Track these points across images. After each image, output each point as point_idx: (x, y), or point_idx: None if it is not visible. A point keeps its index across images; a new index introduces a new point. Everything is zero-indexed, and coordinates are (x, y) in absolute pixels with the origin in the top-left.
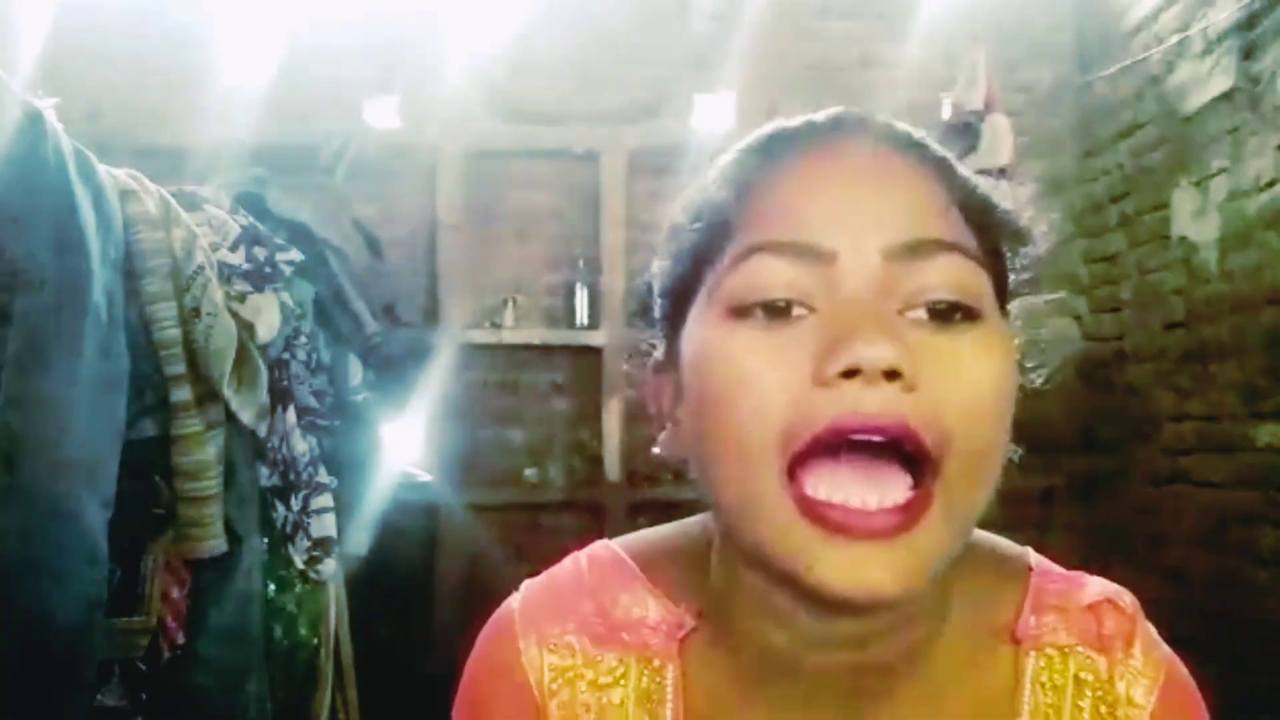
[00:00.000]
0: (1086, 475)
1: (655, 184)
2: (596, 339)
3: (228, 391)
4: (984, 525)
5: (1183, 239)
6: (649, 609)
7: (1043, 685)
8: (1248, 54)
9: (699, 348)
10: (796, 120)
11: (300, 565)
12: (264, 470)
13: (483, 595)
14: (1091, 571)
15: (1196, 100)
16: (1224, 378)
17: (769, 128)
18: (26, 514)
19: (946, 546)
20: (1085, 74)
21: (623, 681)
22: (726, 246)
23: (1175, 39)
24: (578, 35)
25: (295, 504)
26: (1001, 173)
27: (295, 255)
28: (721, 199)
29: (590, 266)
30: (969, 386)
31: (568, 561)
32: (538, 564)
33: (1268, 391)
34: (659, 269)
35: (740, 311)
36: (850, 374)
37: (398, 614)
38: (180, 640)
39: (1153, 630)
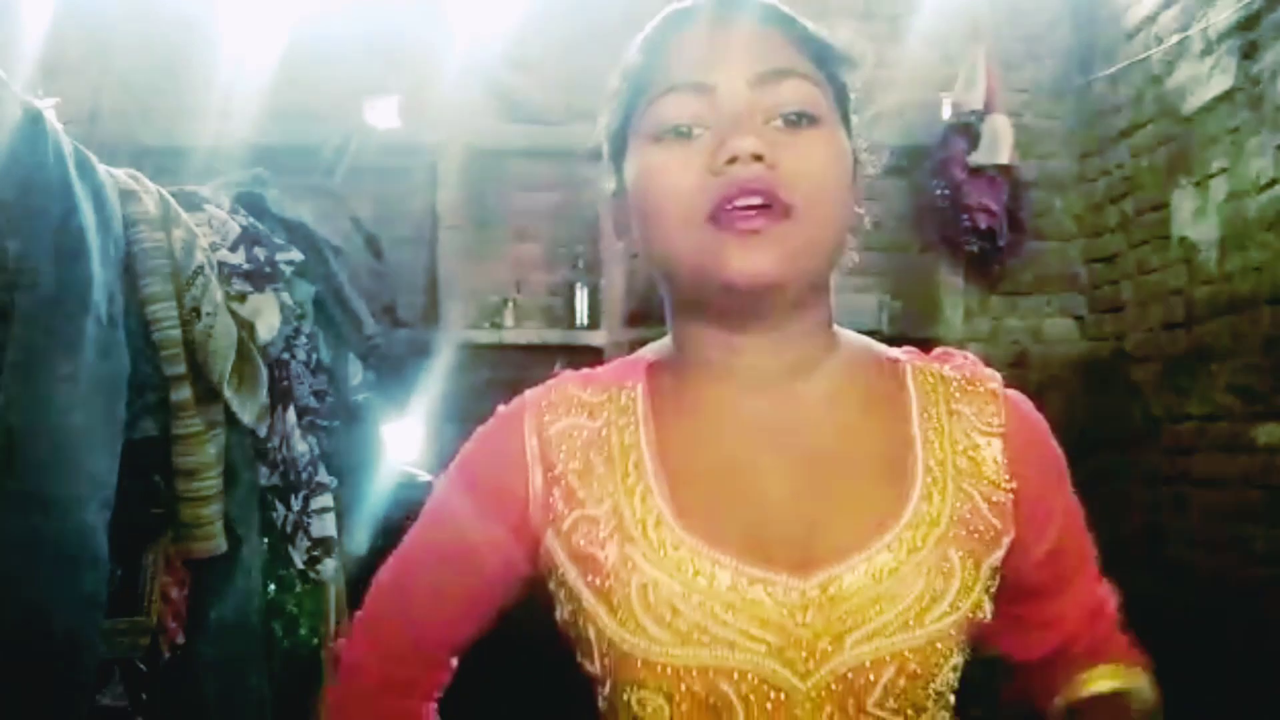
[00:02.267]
0: (1086, 475)
1: None
2: (596, 339)
3: (228, 391)
4: None
5: (1183, 239)
6: (622, 366)
7: (920, 376)
8: (1248, 54)
9: (636, 169)
10: (683, 3)
11: (300, 565)
12: (264, 470)
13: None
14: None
15: (1196, 100)
16: (1224, 378)
17: (665, 10)
18: (26, 514)
19: (804, 248)
20: (1085, 74)
21: (607, 403)
22: (643, 94)
23: (1175, 39)
24: (578, 35)
25: (295, 504)
26: (1002, 171)
27: (295, 255)
28: (636, 65)
29: (590, 266)
30: (811, 164)
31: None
32: None
33: (1268, 391)
34: (602, 125)
35: (658, 138)
36: (731, 162)
37: None
38: (180, 640)
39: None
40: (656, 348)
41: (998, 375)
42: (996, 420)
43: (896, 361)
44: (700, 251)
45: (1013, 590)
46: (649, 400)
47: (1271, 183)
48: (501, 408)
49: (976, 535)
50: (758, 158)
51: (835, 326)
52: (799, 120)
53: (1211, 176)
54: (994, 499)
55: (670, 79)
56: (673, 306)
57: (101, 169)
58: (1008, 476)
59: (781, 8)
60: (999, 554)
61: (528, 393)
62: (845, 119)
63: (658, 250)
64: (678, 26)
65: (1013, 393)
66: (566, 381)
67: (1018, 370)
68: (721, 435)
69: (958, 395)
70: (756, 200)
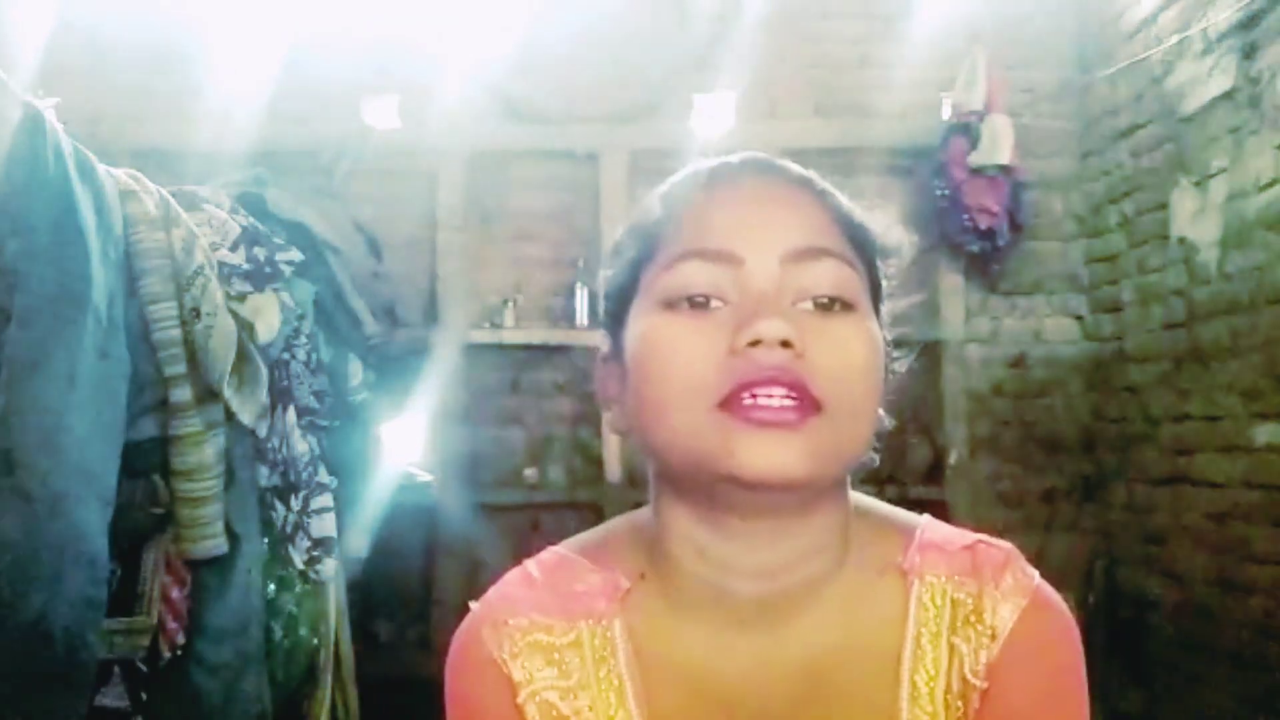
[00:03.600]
0: (1087, 475)
1: (655, 184)
2: (597, 339)
3: (227, 391)
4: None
5: (1183, 239)
6: (590, 582)
7: (924, 605)
8: (1248, 54)
9: (640, 334)
10: (714, 161)
11: (300, 565)
12: (264, 470)
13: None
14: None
15: (1196, 100)
16: (1224, 378)
17: (692, 166)
18: (26, 514)
19: (830, 451)
20: (1085, 74)
21: (577, 645)
22: (658, 255)
23: (1175, 39)
24: (578, 35)
25: (295, 504)
26: (1002, 171)
27: (295, 255)
28: (653, 221)
29: (590, 266)
30: (843, 356)
31: (515, 570)
32: None
33: (1268, 391)
34: (604, 278)
35: (671, 304)
36: (754, 344)
37: (397, 614)
38: (180, 640)
39: (1030, 568)
40: (628, 537)
41: (1029, 583)
42: (990, 653)
43: (906, 576)
44: (706, 439)
45: None
46: (625, 637)
47: (1271, 183)
48: (456, 643)
49: None
50: (786, 344)
51: (855, 508)
52: (831, 305)
53: (1211, 176)
54: None
55: (694, 242)
56: (660, 493)
57: (101, 169)
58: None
59: (821, 181)
60: None
61: (479, 624)
62: (876, 308)
63: (655, 430)
64: (707, 186)
65: (1044, 605)
66: (519, 607)
67: (1018, 370)
68: (705, 689)
69: (960, 626)
70: (780, 391)
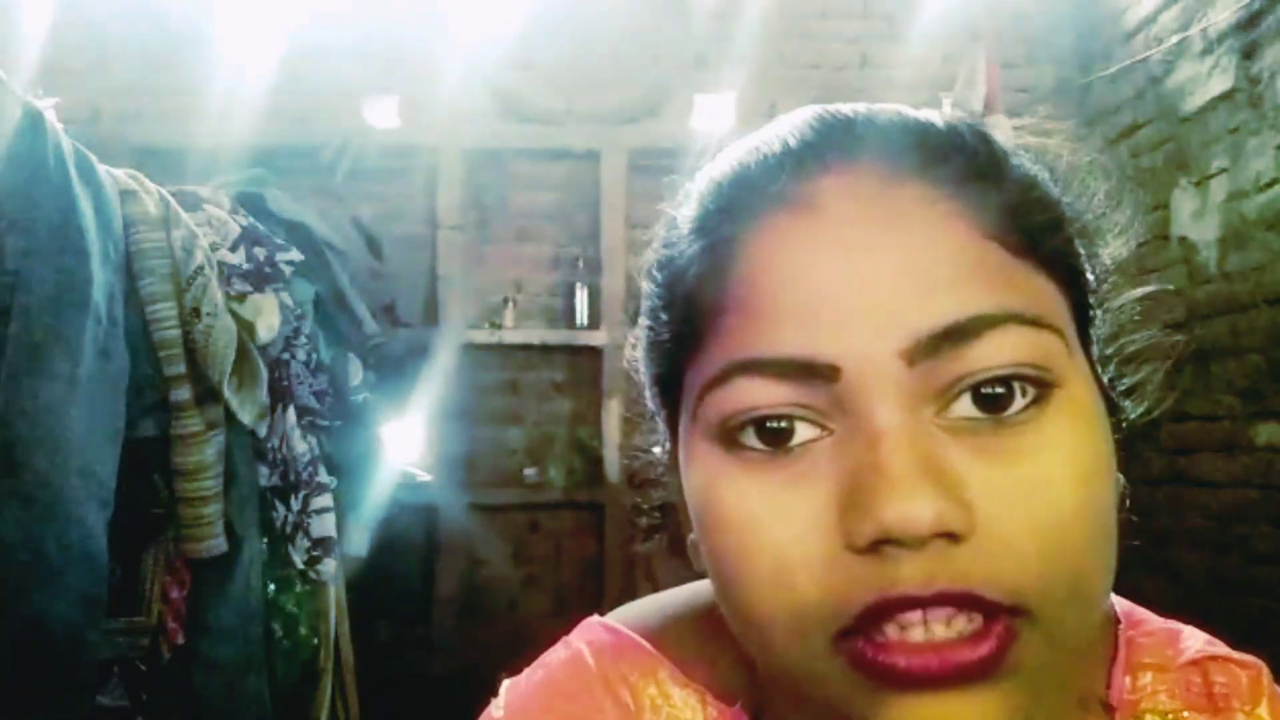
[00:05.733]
0: None
1: (655, 184)
2: (596, 339)
3: (228, 391)
4: None
5: (1183, 239)
6: (684, 706)
7: None
8: (1248, 54)
9: (695, 484)
10: (766, 147)
11: (300, 565)
12: (264, 470)
13: (482, 595)
14: None
15: (1196, 100)
16: (1224, 378)
17: (735, 158)
18: (26, 514)
19: (1049, 669)
20: (1085, 74)
21: None
22: (702, 346)
23: (1175, 39)
24: (577, 35)
25: (295, 504)
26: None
27: (295, 255)
28: (687, 273)
29: (590, 266)
30: (1044, 503)
31: (559, 649)
32: (538, 564)
33: (1268, 391)
34: (639, 349)
35: (729, 437)
36: (883, 541)
37: (397, 614)
38: (180, 640)
39: (1272, 683)
40: (713, 630)
41: (1264, 683)
42: None
43: (1113, 713)
44: (837, 691)
45: None
46: None
47: (1271, 183)
48: None
49: None
50: (945, 534)
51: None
52: (1009, 398)
53: (1211, 176)
54: None
55: (747, 340)
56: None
57: (102, 169)
58: None
59: (961, 150)
60: None
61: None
62: (1085, 336)
63: (756, 653)
64: (757, 209)
65: None
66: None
67: None
68: None
69: None
70: (944, 611)
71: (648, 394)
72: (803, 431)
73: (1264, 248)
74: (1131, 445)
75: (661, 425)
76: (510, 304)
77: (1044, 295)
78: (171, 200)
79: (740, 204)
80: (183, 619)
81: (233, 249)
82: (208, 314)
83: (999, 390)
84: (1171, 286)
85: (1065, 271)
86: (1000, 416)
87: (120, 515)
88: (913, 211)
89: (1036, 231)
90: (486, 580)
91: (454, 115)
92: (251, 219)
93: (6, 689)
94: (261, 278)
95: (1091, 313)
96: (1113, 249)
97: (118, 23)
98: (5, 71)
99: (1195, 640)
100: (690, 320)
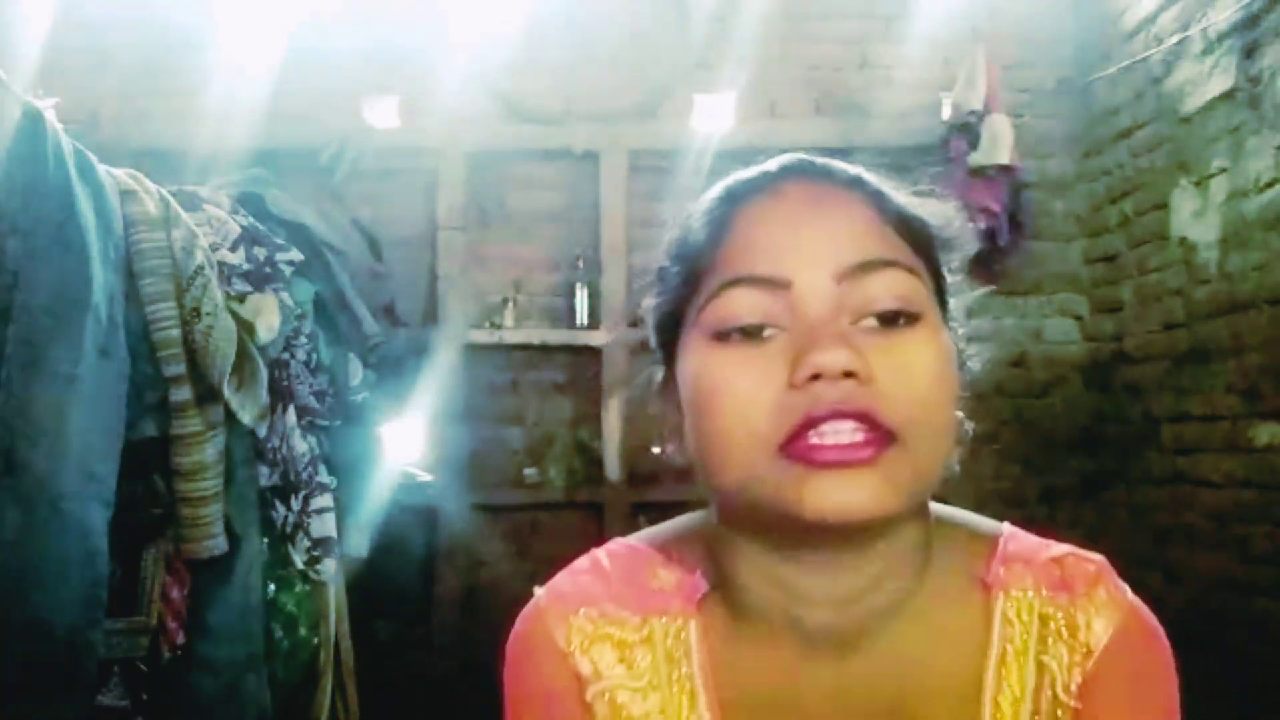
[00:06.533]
0: (1087, 475)
1: (655, 184)
2: (596, 339)
3: (228, 391)
4: None
5: (1183, 239)
6: (665, 579)
7: (1009, 620)
8: (1248, 54)
9: (692, 369)
10: (751, 171)
11: (300, 565)
12: (264, 470)
13: (483, 595)
14: None
15: (1196, 100)
16: (1224, 378)
17: (730, 179)
18: (26, 514)
19: (909, 481)
20: (1085, 74)
21: (648, 641)
22: (703, 283)
23: (1175, 39)
24: (577, 35)
25: (295, 504)
26: (1004, 170)
27: (295, 255)
28: (695, 244)
29: (590, 266)
30: (914, 376)
31: (585, 557)
32: (538, 564)
33: (1268, 391)
34: (650, 305)
35: (722, 336)
36: (815, 377)
37: (397, 614)
38: (180, 640)
39: (1120, 582)
40: (699, 541)
41: (1124, 599)
42: (1084, 670)
43: (989, 590)
44: (771, 485)
45: None
46: (701, 641)
47: (1271, 183)
48: (518, 631)
49: None
50: (849, 373)
51: (934, 518)
52: (895, 319)
53: (1211, 176)
54: None
55: (738, 267)
56: (723, 517)
57: (102, 169)
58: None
59: (870, 177)
60: None
61: (545, 612)
62: (944, 309)
63: (717, 473)
64: (744, 200)
65: (1139, 621)
66: (590, 597)
67: (1018, 370)
68: (776, 711)
69: (1051, 643)
70: (849, 426)
71: (653, 340)
72: (768, 331)
73: (1264, 248)
74: (1132, 445)
75: (659, 360)
76: (510, 304)
77: (917, 265)
78: (171, 200)
79: (735, 195)
80: (183, 619)
81: (233, 249)
82: (208, 314)
83: (889, 314)
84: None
85: (929, 263)
86: (889, 328)
87: (120, 515)
88: (841, 200)
89: (913, 231)
90: (487, 580)
91: (454, 116)
92: (251, 219)
93: (6, 689)
94: (261, 278)
95: (946, 296)
96: (957, 260)
97: (118, 24)
98: (5, 71)
99: (1060, 547)
100: (696, 269)
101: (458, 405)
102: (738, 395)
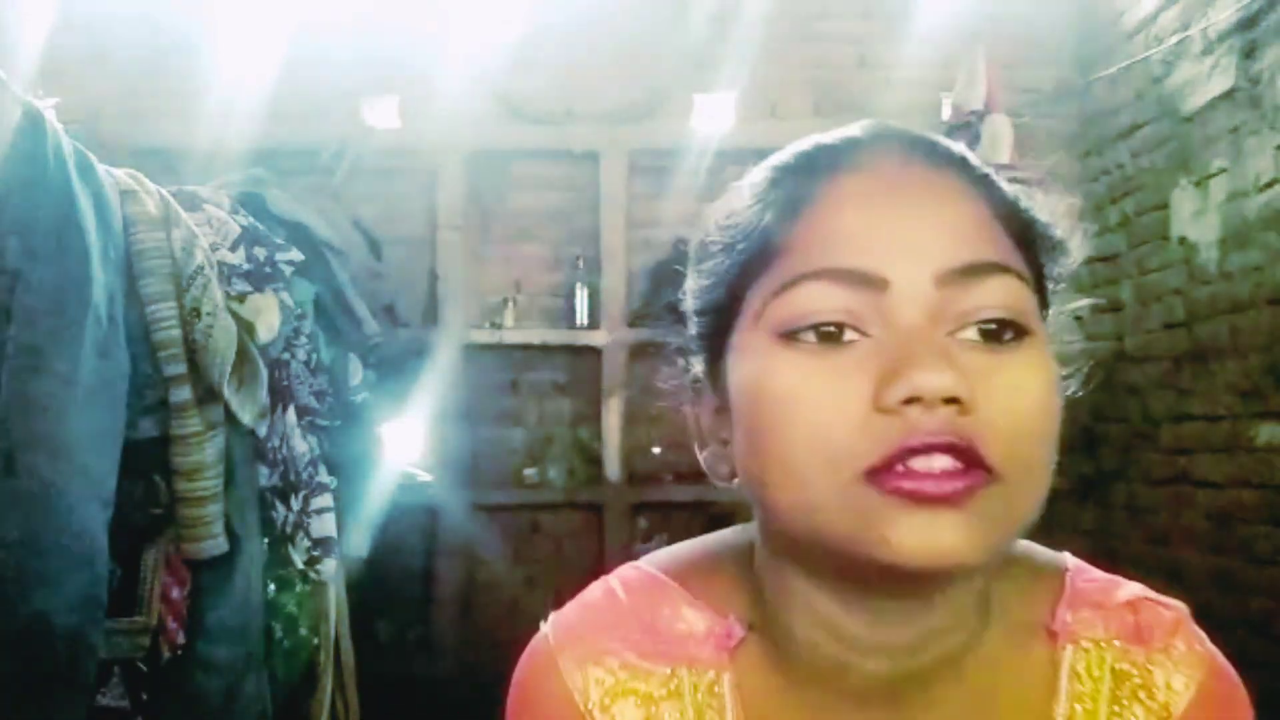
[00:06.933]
0: (1086, 475)
1: (655, 184)
2: (596, 339)
3: (228, 392)
4: None
5: (1183, 239)
6: (694, 621)
7: (1079, 676)
8: (1248, 54)
9: (751, 372)
10: (834, 136)
11: (300, 565)
12: (264, 470)
13: (482, 595)
14: None
15: (1196, 100)
16: (1224, 378)
17: (806, 143)
18: (26, 514)
19: (1005, 525)
20: (1085, 74)
21: (676, 695)
22: (770, 269)
23: (1175, 39)
24: (577, 35)
25: (295, 504)
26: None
27: (295, 255)
28: (763, 221)
29: (590, 266)
30: (1022, 405)
31: (596, 586)
32: (538, 564)
33: (1268, 391)
34: (693, 286)
35: (791, 336)
36: (910, 401)
37: (397, 614)
38: (180, 640)
39: (1200, 632)
40: (733, 570)
41: (1205, 653)
42: None
43: (1056, 639)
44: (849, 517)
45: None
46: (736, 696)
47: (1271, 183)
48: (526, 676)
49: None
50: (951, 400)
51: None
52: (1001, 332)
53: (1211, 176)
54: None
55: (821, 257)
56: (771, 545)
57: (102, 169)
58: None
59: (980, 164)
60: None
61: (557, 656)
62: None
63: (779, 495)
64: (829, 171)
65: (1221, 679)
66: (608, 642)
67: None
68: None
69: (1125, 701)
70: (947, 461)
71: (693, 327)
72: (849, 334)
73: (1264, 248)
74: (1132, 446)
75: (698, 351)
76: (510, 304)
77: (1026, 271)
78: (171, 200)
79: (815, 165)
80: (183, 619)
81: (233, 249)
82: (208, 314)
83: (994, 327)
84: (1104, 301)
85: (1034, 267)
86: (993, 344)
87: (120, 515)
88: (946, 186)
89: (1022, 229)
90: (487, 580)
91: (454, 116)
92: (251, 219)
93: (6, 689)
94: (261, 278)
95: (1047, 307)
96: (1064, 266)
97: (118, 23)
98: (5, 71)
99: (1132, 588)
100: (761, 252)
101: (458, 405)
102: (815, 410)
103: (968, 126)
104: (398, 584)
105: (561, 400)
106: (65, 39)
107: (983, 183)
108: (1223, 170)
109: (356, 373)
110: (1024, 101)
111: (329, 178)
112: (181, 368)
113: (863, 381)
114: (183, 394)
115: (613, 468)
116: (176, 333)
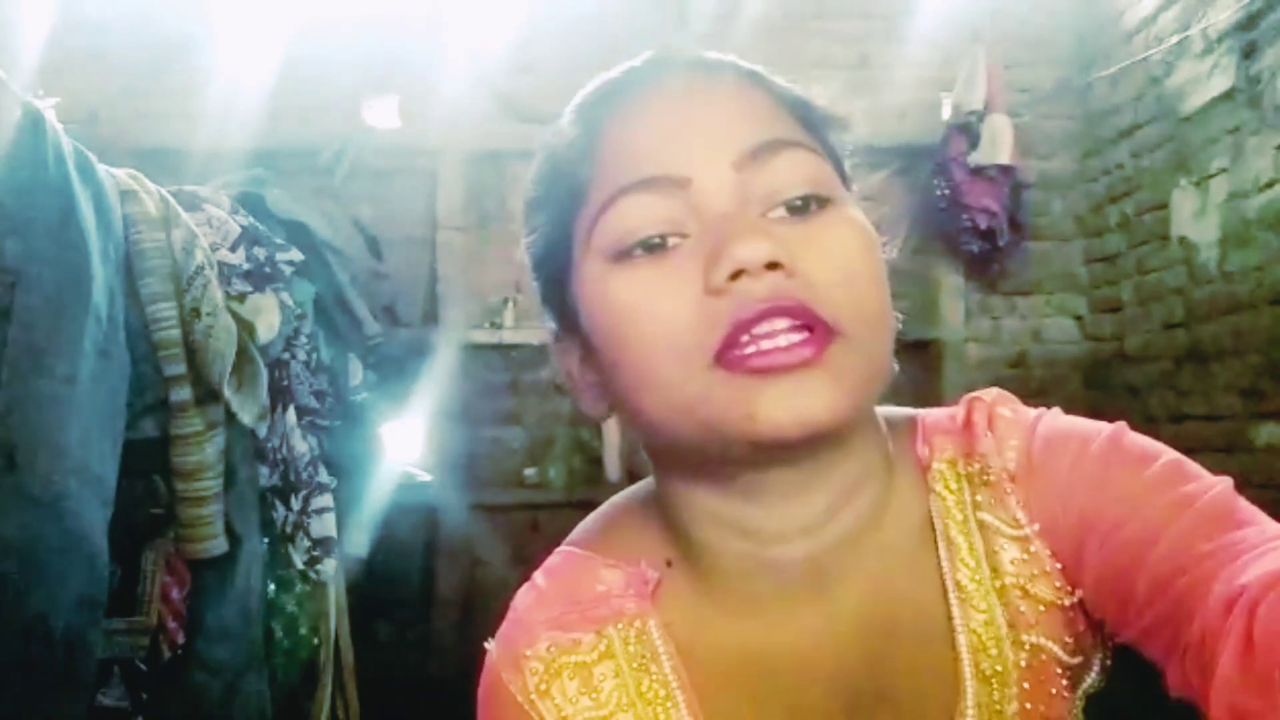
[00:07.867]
0: None
1: None
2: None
3: (228, 391)
4: None
5: (1183, 239)
6: (612, 580)
7: (940, 496)
8: (1248, 54)
9: (593, 297)
10: (615, 71)
11: (300, 565)
12: (264, 470)
13: (482, 595)
14: None
15: (1196, 100)
16: (1224, 378)
17: (595, 82)
18: (26, 514)
19: (859, 377)
20: (1085, 74)
21: (609, 655)
22: (586, 199)
23: (1175, 39)
24: (577, 36)
25: (295, 504)
26: (1002, 171)
27: (295, 255)
28: (571, 158)
29: None
30: (840, 259)
31: (524, 588)
32: (538, 564)
33: (1268, 391)
34: (528, 245)
35: (621, 255)
36: (736, 275)
37: (397, 614)
38: (180, 640)
39: (1020, 405)
40: (637, 521)
41: (1025, 416)
42: (1019, 511)
43: (926, 472)
44: (713, 403)
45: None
46: (666, 635)
47: (1271, 183)
48: (481, 693)
49: (1058, 679)
50: (773, 265)
51: (884, 426)
52: (807, 204)
53: (1211, 176)
54: (1062, 622)
55: (623, 175)
56: (665, 470)
57: (102, 169)
58: (1060, 582)
59: (747, 64)
60: (1092, 677)
61: (498, 668)
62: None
63: (645, 406)
64: (619, 99)
65: (1042, 423)
66: (534, 632)
67: (1018, 370)
68: (767, 674)
69: (980, 499)
70: (785, 323)
71: (535, 280)
72: (672, 241)
73: (1264, 248)
74: None
75: (548, 305)
76: (510, 304)
77: (818, 147)
78: (171, 200)
79: (606, 96)
80: (183, 619)
81: (233, 249)
82: (208, 314)
83: (799, 203)
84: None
85: (828, 149)
86: (802, 215)
87: (120, 515)
88: (726, 85)
89: (804, 110)
90: (487, 580)
91: (454, 116)
92: (251, 219)
93: (6, 689)
94: (261, 278)
95: (848, 179)
96: (849, 139)
97: (118, 23)
98: (5, 71)
99: (964, 400)
100: (575, 187)
101: (457, 405)
102: (654, 312)
103: (968, 126)
104: (398, 584)
105: (561, 400)
106: (65, 39)
107: (756, 77)
108: (1222, 170)
109: (356, 373)
110: (1024, 101)
111: (329, 178)
112: (181, 368)
113: (692, 274)
114: (183, 394)
115: (612, 468)
116: (176, 333)
